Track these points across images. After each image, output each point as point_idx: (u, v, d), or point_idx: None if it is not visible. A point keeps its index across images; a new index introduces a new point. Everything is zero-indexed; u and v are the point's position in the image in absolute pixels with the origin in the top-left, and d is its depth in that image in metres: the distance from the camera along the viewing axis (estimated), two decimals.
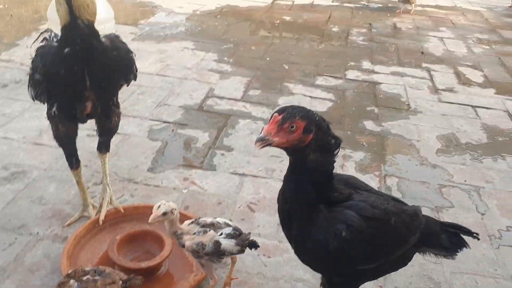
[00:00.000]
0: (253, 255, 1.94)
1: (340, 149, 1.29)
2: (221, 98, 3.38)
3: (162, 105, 3.21)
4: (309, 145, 1.24)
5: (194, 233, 1.65)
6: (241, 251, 1.68)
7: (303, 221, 1.33)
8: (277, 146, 1.24)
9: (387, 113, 3.36)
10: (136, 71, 2.04)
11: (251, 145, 2.80)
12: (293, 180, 1.33)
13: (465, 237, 1.60)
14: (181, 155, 2.66)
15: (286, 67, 4.06)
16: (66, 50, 1.72)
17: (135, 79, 2.06)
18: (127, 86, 2.08)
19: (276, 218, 1.58)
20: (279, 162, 2.64)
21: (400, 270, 1.91)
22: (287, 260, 1.95)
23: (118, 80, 1.99)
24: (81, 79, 1.79)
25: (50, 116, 1.95)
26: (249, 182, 2.46)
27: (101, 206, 2.10)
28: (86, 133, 2.73)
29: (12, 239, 1.97)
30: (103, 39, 1.81)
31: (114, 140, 2.11)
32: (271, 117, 1.24)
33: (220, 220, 1.73)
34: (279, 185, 2.40)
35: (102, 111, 1.99)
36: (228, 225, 1.72)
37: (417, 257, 2.00)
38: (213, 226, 1.70)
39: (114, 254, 1.75)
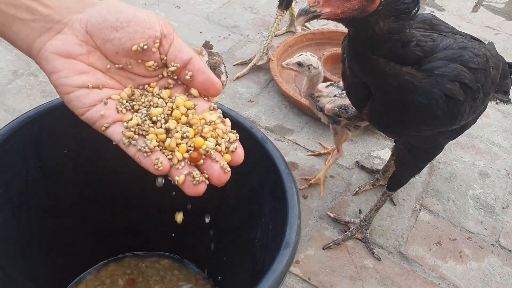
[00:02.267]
0: None
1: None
2: None
3: None
4: (375, 12, 0.87)
5: (335, 95, 1.42)
6: None
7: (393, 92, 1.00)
8: (328, 18, 0.88)
9: None
10: None
11: (463, 10, 2.55)
12: (357, 55, 0.98)
13: None
14: None
15: None
16: None
17: None
18: None
19: None
20: (494, 35, 2.38)
21: None
22: (486, 124, 1.84)
23: None
24: None
25: None
26: None
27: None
28: None
29: (226, 34, 2.12)
30: None
31: None
32: None
33: None
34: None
35: None
36: None
37: None
38: None
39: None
